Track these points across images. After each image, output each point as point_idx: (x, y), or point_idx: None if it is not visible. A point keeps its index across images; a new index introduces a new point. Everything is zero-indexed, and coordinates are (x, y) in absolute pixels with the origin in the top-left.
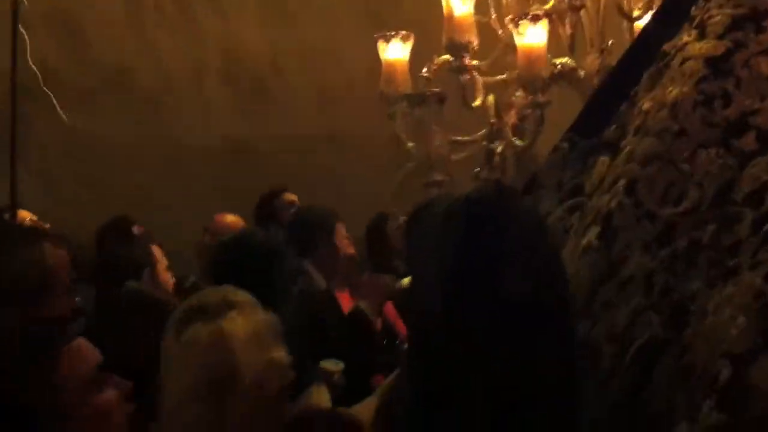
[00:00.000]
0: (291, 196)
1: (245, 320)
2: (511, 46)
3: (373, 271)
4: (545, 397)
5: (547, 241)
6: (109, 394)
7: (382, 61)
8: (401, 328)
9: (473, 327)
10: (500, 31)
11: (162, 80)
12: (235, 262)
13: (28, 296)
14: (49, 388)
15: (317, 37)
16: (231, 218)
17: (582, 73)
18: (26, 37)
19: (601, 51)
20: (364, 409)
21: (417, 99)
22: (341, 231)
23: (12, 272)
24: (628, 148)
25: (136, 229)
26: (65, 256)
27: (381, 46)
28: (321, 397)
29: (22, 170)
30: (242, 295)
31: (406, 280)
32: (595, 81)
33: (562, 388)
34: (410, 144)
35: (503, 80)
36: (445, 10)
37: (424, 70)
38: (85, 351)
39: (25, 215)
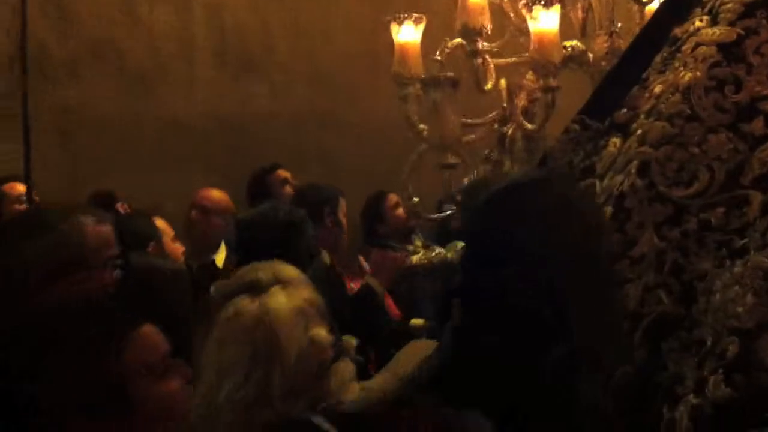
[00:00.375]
0: (284, 173)
1: (289, 297)
2: (522, 30)
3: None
4: (543, 403)
5: (562, 253)
6: (176, 383)
7: (395, 43)
8: (391, 306)
9: (471, 327)
10: (512, 14)
11: (152, 57)
12: (257, 237)
13: (57, 274)
14: (112, 377)
15: (310, 15)
16: (216, 193)
17: (591, 56)
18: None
19: (610, 34)
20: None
21: (431, 82)
22: (343, 208)
23: (42, 251)
24: (640, 130)
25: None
26: (108, 232)
27: (394, 28)
28: (346, 371)
29: (16, 145)
30: (290, 271)
31: (415, 258)
32: (604, 64)
33: (559, 397)
34: (422, 126)
35: (514, 63)
36: None
37: (437, 53)
38: (154, 338)
39: (21, 189)
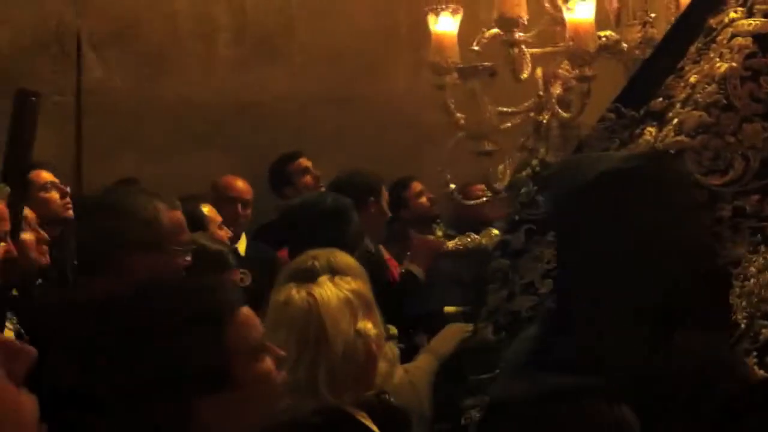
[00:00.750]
0: (305, 162)
1: (336, 287)
2: (557, 19)
3: (392, 237)
4: None
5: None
6: (270, 362)
7: (431, 33)
8: None
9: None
10: (547, 4)
11: (169, 37)
12: (305, 224)
13: (138, 254)
14: (216, 358)
15: None
16: (241, 183)
17: (625, 45)
18: None
19: (644, 24)
20: (422, 366)
21: (469, 71)
22: (385, 194)
23: (125, 226)
24: (676, 119)
25: None
26: (181, 217)
27: (431, 19)
28: (391, 354)
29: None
30: (347, 260)
31: (451, 243)
32: (638, 53)
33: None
34: (459, 115)
35: (550, 53)
36: None
37: (474, 43)
38: (252, 319)
39: (47, 176)
